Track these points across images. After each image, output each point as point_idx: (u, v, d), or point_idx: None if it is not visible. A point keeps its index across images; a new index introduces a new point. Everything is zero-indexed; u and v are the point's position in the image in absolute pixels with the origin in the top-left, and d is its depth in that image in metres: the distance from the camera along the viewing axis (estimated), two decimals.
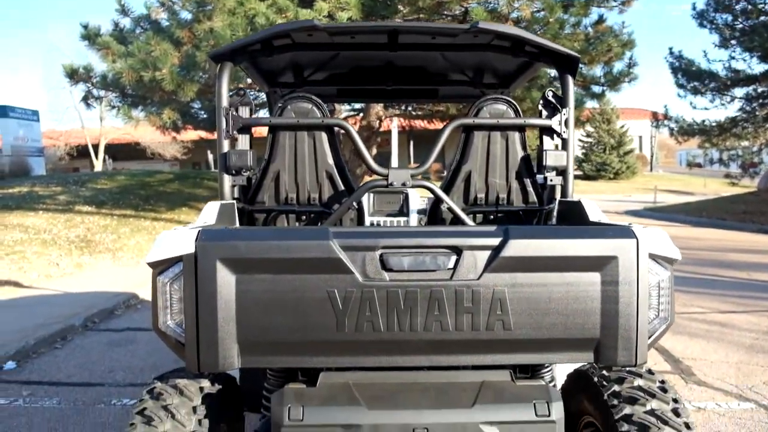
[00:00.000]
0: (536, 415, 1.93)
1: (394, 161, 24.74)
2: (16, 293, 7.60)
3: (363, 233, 1.95)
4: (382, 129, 13.80)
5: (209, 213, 2.52)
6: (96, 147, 33.93)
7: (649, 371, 2.15)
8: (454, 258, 1.88)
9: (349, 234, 1.92)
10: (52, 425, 3.95)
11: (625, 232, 1.93)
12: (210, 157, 31.79)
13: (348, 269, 1.85)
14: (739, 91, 18.58)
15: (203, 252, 1.85)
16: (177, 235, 1.92)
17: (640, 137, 40.63)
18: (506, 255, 1.87)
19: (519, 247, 1.87)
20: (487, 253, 1.88)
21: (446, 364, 1.95)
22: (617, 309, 1.89)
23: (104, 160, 35.14)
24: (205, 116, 13.03)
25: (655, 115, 21.21)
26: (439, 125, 13.92)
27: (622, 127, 34.90)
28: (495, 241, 1.89)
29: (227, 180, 2.89)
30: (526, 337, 1.90)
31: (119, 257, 10.03)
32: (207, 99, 11.43)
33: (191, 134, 16.02)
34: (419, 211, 3.81)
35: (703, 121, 19.39)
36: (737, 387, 4.44)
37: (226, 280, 1.85)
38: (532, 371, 2.20)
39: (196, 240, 1.87)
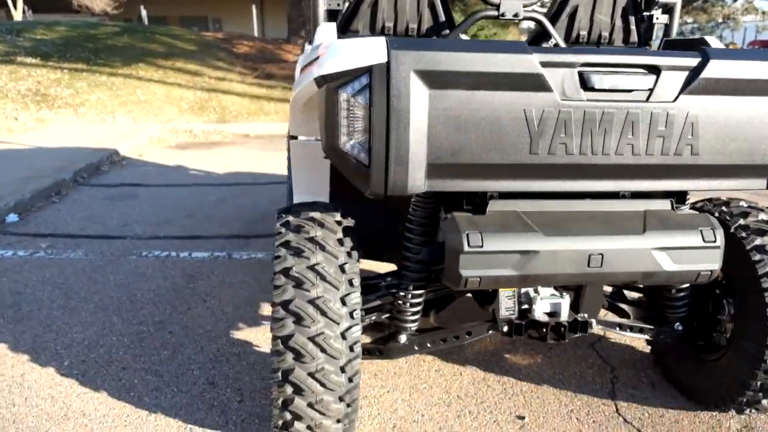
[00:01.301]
0: (703, 241, 1.93)
1: None
2: None
3: (563, 49, 1.78)
4: None
5: (326, 33, 2.25)
6: None
7: None
8: (652, 78, 1.76)
9: (548, 50, 1.74)
10: (89, 275, 3.77)
11: None
12: (144, 12, 29.23)
13: (547, 87, 1.70)
14: None
15: (397, 62, 1.63)
16: (362, 44, 1.68)
17: None
18: (705, 76, 1.77)
19: (718, 68, 1.77)
20: (684, 74, 1.77)
21: (631, 189, 1.89)
22: None
23: (23, 12, 31.70)
24: None
25: None
26: None
27: None
28: (694, 62, 1.77)
29: (321, 3, 2.57)
30: (711, 163, 1.86)
31: (82, 113, 9.32)
32: None
33: None
34: None
35: None
36: None
37: (419, 94, 1.65)
38: (681, 201, 2.18)
39: (387, 49, 1.64)
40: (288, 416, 1.96)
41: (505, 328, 2.22)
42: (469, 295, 2.43)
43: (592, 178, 1.84)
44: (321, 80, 1.75)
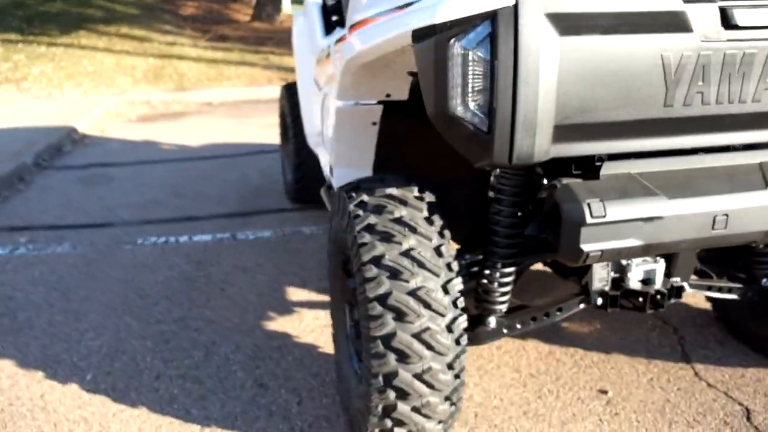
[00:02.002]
0: None
1: None
2: None
3: None
4: None
5: None
6: None
7: None
8: None
9: None
10: (84, 270, 3.40)
11: None
12: None
13: (689, 26, 1.46)
14: None
15: (527, 4, 1.35)
16: None
17: None
18: None
19: None
20: None
21: (762, 140, 1.69)
22: None
23: None
24: None
25: None
26: None
27: None
28: None
29: None
30: None
31: (26, 88, 8.57)
32: None
33: None
34: None
35: None
36: None
37: (549, 43, 1.38)
38: None
39: None
40: (388, 424, 1.74)
41: (599, 301, 2.04)
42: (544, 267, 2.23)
43: (727, 129, 1.63)
44: (425, 32, 1.45)
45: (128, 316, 2.90)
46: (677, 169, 1.75)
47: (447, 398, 1.74)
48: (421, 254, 1.70)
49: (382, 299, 1.66)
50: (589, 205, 1.58)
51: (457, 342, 1.71)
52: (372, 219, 1.75)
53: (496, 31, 1.36)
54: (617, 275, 2.03)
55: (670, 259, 2.06)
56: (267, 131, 6.57)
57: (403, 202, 1.80)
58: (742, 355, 2.51)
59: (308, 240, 3.77)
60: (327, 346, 2.62)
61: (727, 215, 1.68)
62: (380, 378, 1.68)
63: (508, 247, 1.92)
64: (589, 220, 1.57)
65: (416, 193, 1.84)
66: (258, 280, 3.25)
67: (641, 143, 1.59)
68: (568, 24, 1.39)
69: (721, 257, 2.31)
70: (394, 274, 1.67)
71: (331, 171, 2.62)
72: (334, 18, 3.46)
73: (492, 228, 1.92)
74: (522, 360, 2.51)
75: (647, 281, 2.03)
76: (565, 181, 1.67)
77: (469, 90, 1.42)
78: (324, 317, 2.86)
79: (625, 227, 1.62)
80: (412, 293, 1.66)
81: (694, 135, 1.61)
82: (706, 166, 1.77)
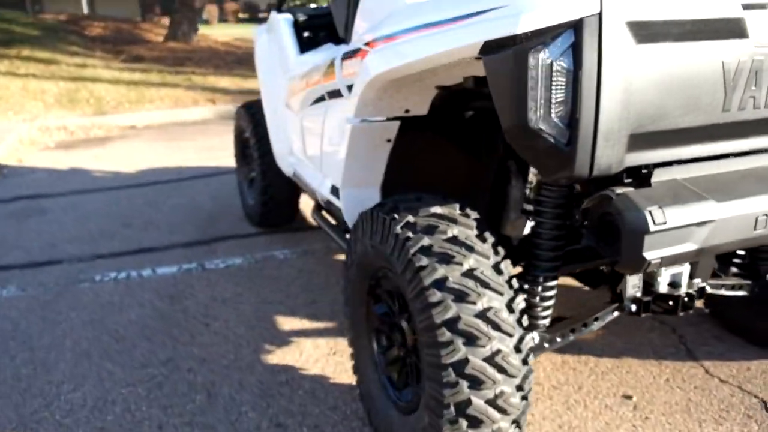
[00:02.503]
0: None
1: None
2: None
3: None
4: None
5: None
6: None
7: None
8: None
9: None
10: (42, 315, 3.05)
11: None
12: None
13: (745, 32, 1.50)
14: None
15: (610, 12, 1.32)
16: None
17: None
18: None
19: None
20: None
21: None
22: None
23: None
24: None
25: None
26: None
27: None
28: None
29: None
30: None
31: None
32: None
33: None
34: None
35: None
36: None
37: (628, 51, 1.37)
38: None
39: None
40: None
41: (633, 307, 2.04)
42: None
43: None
44: (501, 42, 1.39)
45: (107, 362, 2.62)
46: (717, 172, 1.78)
47: (515, 422, 1.67)
48: (483, 273, 1.63)
49: (451, 324, 1.57)
50: (650, 212, 1.57)
51: (525, 362, 1.65)
52: (426, 240, 1.66)
53: (581, 40, 1.33)
54: (647, 281, 2.05)
55: (693, 261, 2.10)
56: (204, 154, 6.31)
57: (453, 221, 1.73)
58: (742, 348, 2.61)
59: (283, 265, 3.59)
60: (337, 375, 2.48)
61: (767, 215, 1.73)
62: (452, 408, 1.58)
63: (551, 260, 1.89)
64: (652, 227, 1.56)
65: (460, 211, 1.78)
66: (242, 311, 3.05)
67: (700, 149, 1.60)
68: (645, 32, 1.39)
69: (726, 256, 2.40)
70: (460, 297, 1.59)
71: (334, 192, 2.50)
72: (307, 34, 3.35)
73: (534, 241, 1.88)
74: (539, 372, 2.49)
75: (674, 284, 2.06)
76: (624, 189, 1.66)
77: (550, 102, 1.38)
78: (324, 345, 2.71)
79: (682, 233, 1.62)
80: (481, 315, 1.59)
81: (746, 138, 1.65)
82: (741, 168, 1.82)
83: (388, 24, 1.89)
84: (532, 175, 1.97)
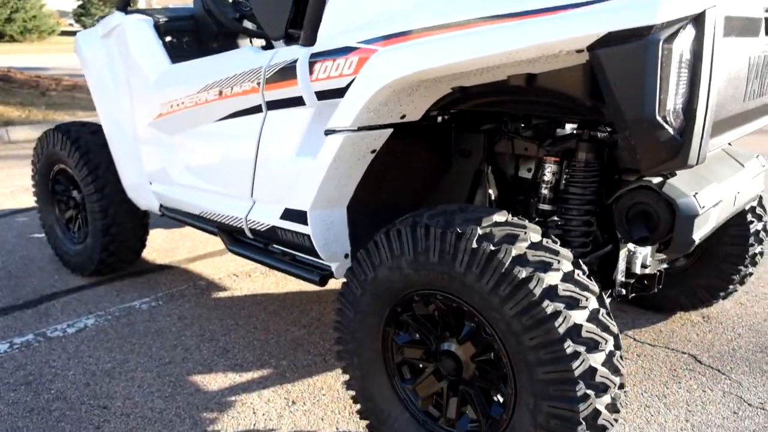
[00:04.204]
0: None
1: None
2: None
3: None
4: None
5: None
6: None
7: None
8: None
9: None
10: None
11: None
12: None
13: (762, 31, 1.69)
14: None
15: (720, 5, 1.39)
16: None
17: None
18: None
19: None
20: None
21: None
22: None
23: None
24: None
25: None
26: None
27: None
28: None
29: None
30: None
31: None
32: None
33: None
34: None
35: None
36: None
37: (722, 44, 1.45)
38: None
39: None
40: None
41: (623, 291, 2.15)
42: None
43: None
44: (629, 33, 1.34)
45: None
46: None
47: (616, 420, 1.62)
48: (579, 275, 1.55)
49: (574, 334, 1.45)
50: (696, 196, 1.68)
51: (621, 357, 1.61)
52: (514, 250, 1.51)
53: (702, 31, 1.38)
54: (627, 266, 2.18)
55: None
56: None
57: (521, 227, 1.61)
58: (643, 315, 2.93)
59: (155, 316, 2.96)
60: (316, 426, 2.12)
61: (738, 192, 1.99)
62: (584, 423, 1.46)
63: (581, 246, 1.89)
64: (700, 211, 1.68)
65: (509, 216, 1.67)
66: (142, 380, 2.41)
67: (722, 139, 1.73)
68: (729, 26, 1.49)
69: None
70: (572, 304, 1.48)
71: (290, 216, 2.13)
72: (169, 39, 2.84)
73: (565, 230, 1.88)
74: None
75: (644, 265, 2.23)
76: (655, 180, 1.73)
77: (677, 93, 1.38)
78: (276, 396, 2.30)
79: (709, 213, 1.78)
80: (593, 319, 1.50)
81: (741, 126, 1.85)
82: (716, 153, 2.07)
83: (406, 18, 1.67)
84: (550, 174, 1.94)
